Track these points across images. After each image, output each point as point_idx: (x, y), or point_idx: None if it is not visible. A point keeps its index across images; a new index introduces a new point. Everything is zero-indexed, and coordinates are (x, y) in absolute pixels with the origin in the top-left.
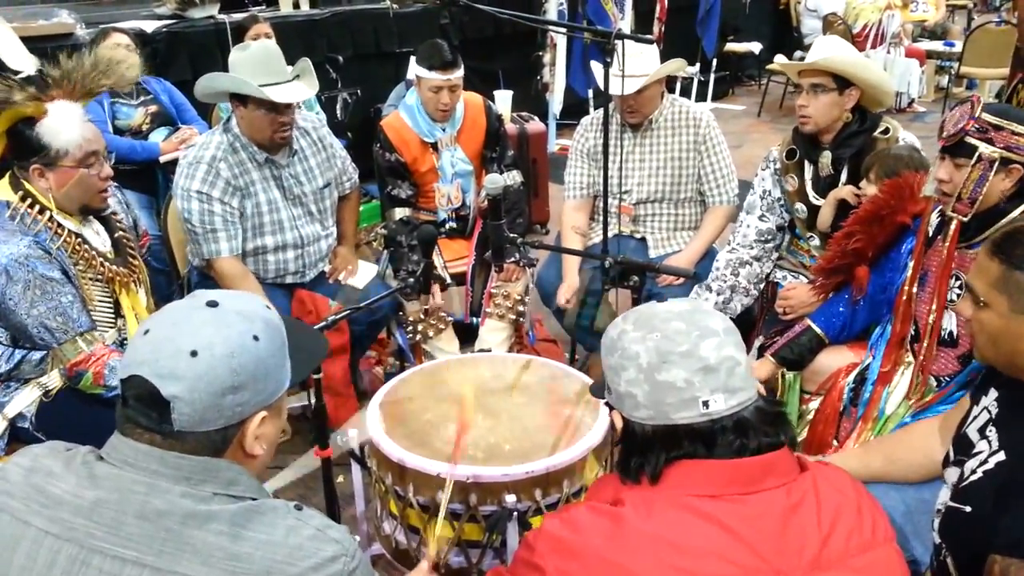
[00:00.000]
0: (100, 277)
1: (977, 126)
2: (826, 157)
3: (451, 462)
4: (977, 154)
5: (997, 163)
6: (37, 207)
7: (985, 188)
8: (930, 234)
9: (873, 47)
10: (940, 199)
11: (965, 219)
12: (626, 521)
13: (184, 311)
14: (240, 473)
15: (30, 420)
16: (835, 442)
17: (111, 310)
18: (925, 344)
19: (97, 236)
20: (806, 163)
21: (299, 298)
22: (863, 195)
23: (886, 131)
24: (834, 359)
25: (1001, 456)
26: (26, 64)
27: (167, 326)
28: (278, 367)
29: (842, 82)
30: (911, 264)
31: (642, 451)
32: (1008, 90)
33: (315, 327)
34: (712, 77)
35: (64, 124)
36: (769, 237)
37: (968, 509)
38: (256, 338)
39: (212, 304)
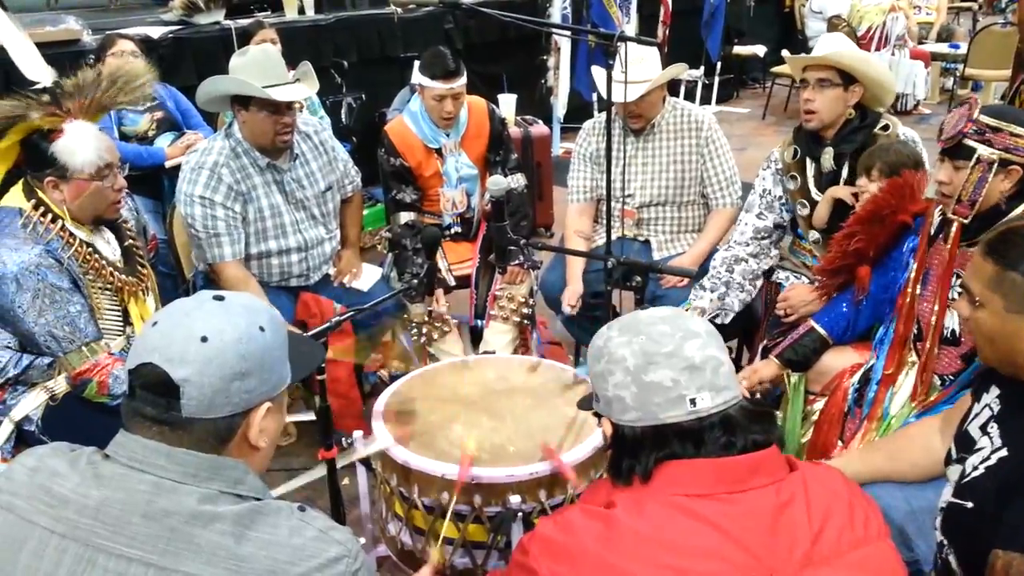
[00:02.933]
0: (109, 286)
1: (975, 128)
2: (828, 153)
3: (455, 489)
4: (976, 156)
5: (996, 164)
6: (50, 216)
7: (985, 190)
8: (931, 233)
9: (877, 49)
10: (941, 201)
11: (966, 221)
12: (618, 522)
13: (192, 304)
14: (245, 472)
15: (36, 424)
16: (840, 443)
17: (120, 319)
18: (928, 344)
19: (108, 245)
20: (808, 161)
21: (303, 301)
22: (864, 191)
23: (886, 127)
24: (838, 359)
25: (1003, 452)
26: (43, 75)
27: (177, 316)
28: (281, 360)
29: (847, 78)
30: (914, 265)
31: (633, 452)
32: (1010, 92)
33: (319, 329)
34: (716, 80)
35: (80, 146)
36: (766, 234)
37: (970, 505)
38: (262, 329)
39: (218, 298)
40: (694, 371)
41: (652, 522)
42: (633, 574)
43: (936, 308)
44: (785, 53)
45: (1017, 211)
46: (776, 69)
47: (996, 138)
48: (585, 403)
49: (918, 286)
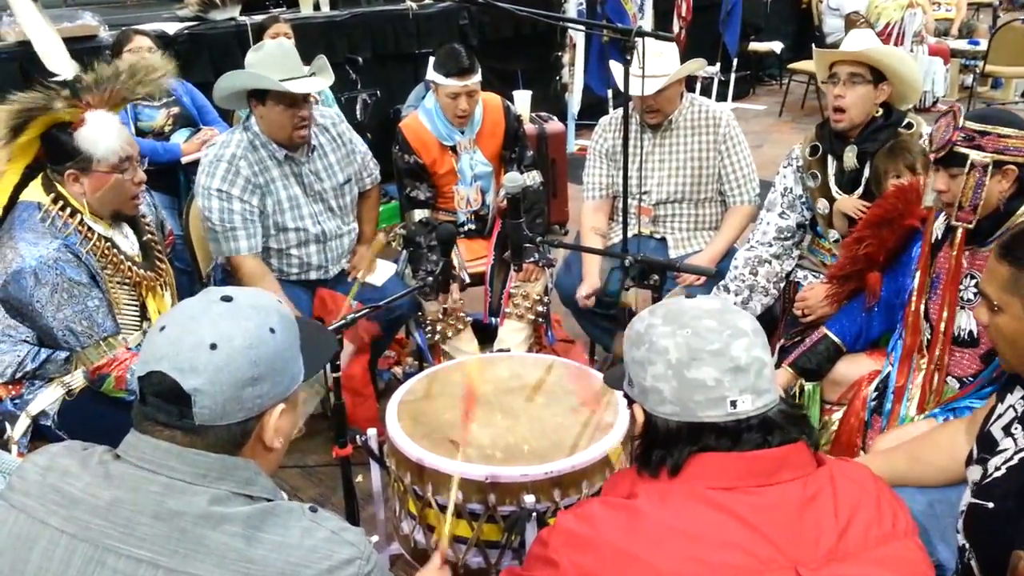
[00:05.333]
0: (127, 281)
1: (963, 135)
2: (852, 151)
3: (461, 440)
4: (969, 162)
5: (990, 167)
6: (68, 210)
7: (984, 193)
8: (939, 238)
9: (896, 46)
10: (943, 209)
11: (971, 226)
12: (641, 513)
13: (199, 307)
14: (257, 473)
15: (52, 418)
16: (863, 453)
17: (137, 313)
18: (936, 349)
19: (126, 240)
20: (829, 159)
21: (320, 297)
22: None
23: (909, 126)
24: (854, 368)
25: None
26: (65, 68)
27: (184, 321)
28: (294, 359)
29: (876, 76)
30: (918, 275)
31: (665, 445)
32: None
33: (335, 325)
34: (733, 77)
35: (103, 134)
36: (788, 234)
37: (991, 506)
38: (272, 330)
39: (226, 299)
40: (738, 373)
41: (676, 513)
42: (655, 565)
43: (945, 313)
44: (815, 48)
45: (1021, 210)
46: (793, 66)
47: (986, 141)
48: (614, 381)
49: (929, 290)
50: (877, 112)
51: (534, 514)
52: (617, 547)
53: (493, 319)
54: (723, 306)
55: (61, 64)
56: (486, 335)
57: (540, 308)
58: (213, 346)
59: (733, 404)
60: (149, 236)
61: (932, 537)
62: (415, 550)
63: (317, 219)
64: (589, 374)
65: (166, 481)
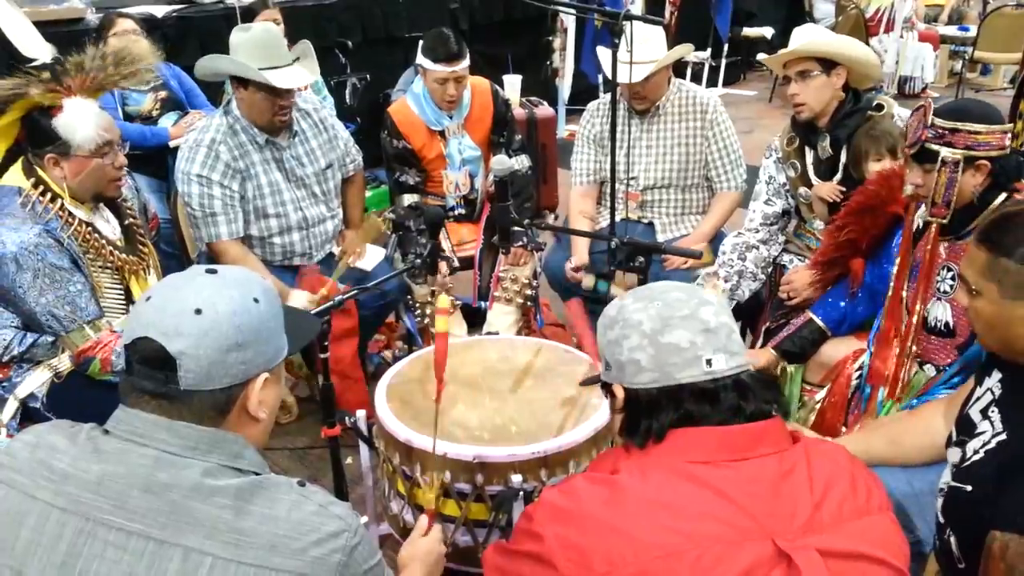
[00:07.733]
0: (110, 265)
1: (933, 132)
2: (825, 140)
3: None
4: (940, 159)
5: (962, 163)
6: (49, 195)
7: (956, 188)
8: (920, 227)
9: (886, 32)
10: (920, 200)
11: (944, 221)
12: (622, 487)
13: (185, 278)
14: (245, 447)
15: (41, 401)
16: (844, 429)
17: (122, 297)
18: (907, 340)
19: (107, 224)
20: (806, 148)
21: (308, 281)
22: (874, 171)
23: (880, 107)
24: (838, 349)
25: (1003, 436)
26: (41, 52)
27: (169, 291)
28: (277, 331)
29: (827, 64)
30: (897, 261)
31: (648, 414)
32: (1021, 75)
33: (323, 307)
34: (724, 62)
35: (80, 121)
36: (775, 220)
37: (969, 489)
38: (256, 300)
39: (211, 271)
40: (710, 334)
41: (656, 486)
42: (637, 536)
43: (919, 306)
44: (761, 56)
45: (997, 200)
46: (765, 57)
47: (956, 138)
48: (590, 379)
49: (905, 282)
50: (842, 96)
51: (521, 493)
52: (599, 519)
53: (482, 303)
54: (687, 284)
55: (36, 48)
56: (475, 319)
57: (529, 292)
58: (198, 311)
59: (708, 363)
60: (131, 220)
61: (911, 514)
62: (404, 529)
63: (299, 205)
64: (577, 357)
65: (156, 454)
